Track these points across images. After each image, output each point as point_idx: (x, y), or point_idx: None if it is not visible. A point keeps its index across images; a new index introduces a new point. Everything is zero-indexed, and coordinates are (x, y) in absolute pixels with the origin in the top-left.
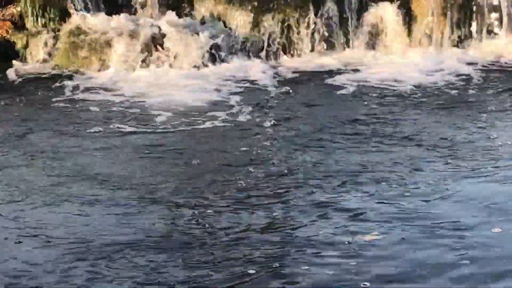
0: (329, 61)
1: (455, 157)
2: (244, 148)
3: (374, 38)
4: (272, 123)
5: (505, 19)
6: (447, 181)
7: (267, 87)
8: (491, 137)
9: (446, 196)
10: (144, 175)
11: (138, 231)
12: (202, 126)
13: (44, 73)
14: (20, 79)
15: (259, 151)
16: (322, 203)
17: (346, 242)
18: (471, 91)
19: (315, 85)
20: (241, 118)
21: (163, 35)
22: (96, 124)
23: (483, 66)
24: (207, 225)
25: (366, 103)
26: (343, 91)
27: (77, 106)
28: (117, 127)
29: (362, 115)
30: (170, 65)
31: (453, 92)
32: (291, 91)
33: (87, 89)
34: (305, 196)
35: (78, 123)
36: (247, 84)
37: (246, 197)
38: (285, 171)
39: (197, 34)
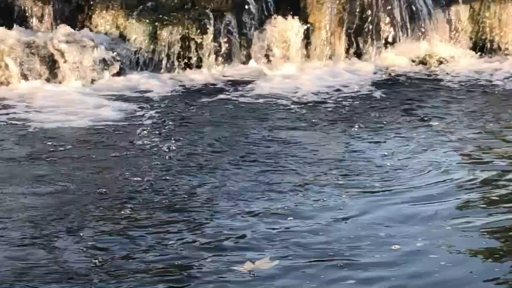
0: (228, 74)
1: (346, 175)
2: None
3: (273, 51)
4: (162, 141)
5: (400, 31)
6: (339, 200)
7: (165, 100)
8: (384, 153)
9: (339, 215)
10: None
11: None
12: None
13: None
14: None
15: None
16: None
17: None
18: (365, 104)
19: (210, 98)
20: (137, 134)
21: (59, 48)
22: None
23: (378, 77)
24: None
25: (259, 117)
26: (236, 105)
27: None
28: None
29: (253, 132)
30: (66, 80)
31: (347, 105)
32: (186, 104)
33: None
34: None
35: None
36: (145, 98)
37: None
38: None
39: (95, 47)
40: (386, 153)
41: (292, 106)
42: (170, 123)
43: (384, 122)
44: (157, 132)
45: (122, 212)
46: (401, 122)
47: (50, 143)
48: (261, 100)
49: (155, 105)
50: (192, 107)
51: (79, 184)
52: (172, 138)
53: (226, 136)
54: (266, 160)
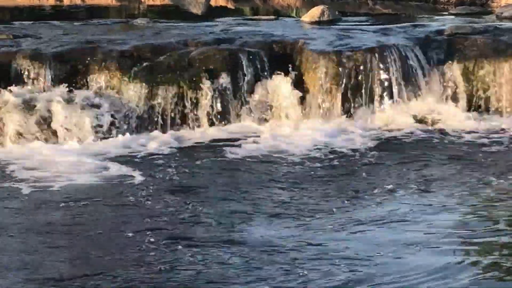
0: (222, 133)
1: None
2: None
3: (267, 110)
4: (155, 202)
5: (394, 90)
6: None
7: (160, 160)
8: (373, 211)
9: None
10: None
11: None
12: (88, 208)
13: None
14: None
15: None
16: None
17: None
18: (359, 163)
19: (206, 158)
20: (130, 191)
21: (55, 110)
22: None
23: (373, 136)
24: None
25: (253, 177)
26: (232, 163)
27: None
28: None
29: (247, 191)
30: (62, 140)
31: (341, 164)
32: (183, 163)
33: None
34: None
35: None
36: (141, 158)
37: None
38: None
39: (90, 107)
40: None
41: (286, 166)
42: (164, 183)
43: (378, 184)
44: (150, 193)
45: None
46: (396, 184)
47: (44, 204)
48: (255, 160)
49: (150, 165)
50: (186, 167)
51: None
52: (165, 199)
53: (222, 196)
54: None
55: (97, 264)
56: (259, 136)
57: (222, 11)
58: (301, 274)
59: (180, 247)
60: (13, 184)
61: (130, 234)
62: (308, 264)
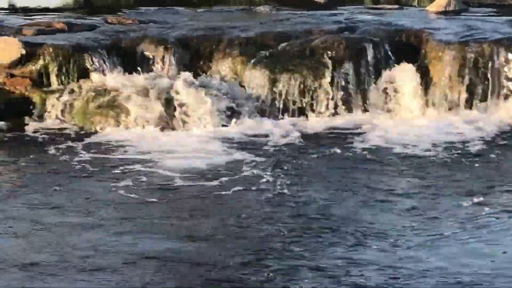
0: (346, 122)
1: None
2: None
3: (391, 100)
4: (286, 185)
5: None
6: None
7: (283, 148)
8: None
9: None
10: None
11: None
12: (215, 190)
13: (61, 131)
14: (37, 136)
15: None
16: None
17: None
18: (484, 164)
19: (330, 147)
20: (255, 179)
21: (180, 95)
22: (108, 184)
23: (501, 129)
24: None
25: (379, 167)
26: (357, 154)
27: (91, 165)
28: (130, 190)
29: (374, 181)
30: (186, 125)
31: (465, 164)
32: (305, 152)
33: (102, 148)
34: None
35: (91, 183)
36: (262, 145)
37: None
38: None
39: (214, 94)
40: None
41: (407, 159)
42: (286, 171)
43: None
44: (272, 181)
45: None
46: None
47: (164, 188)
48: (378, 150)
49: (272, 152)
50: (307, 156)
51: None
52: (289, 187)
53: (343, 186)
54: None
55: (248, 248)
56: (381, 127)
57: (344, 0)
58: None
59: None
60: (135, 167)
61: (270, 222)
62: None
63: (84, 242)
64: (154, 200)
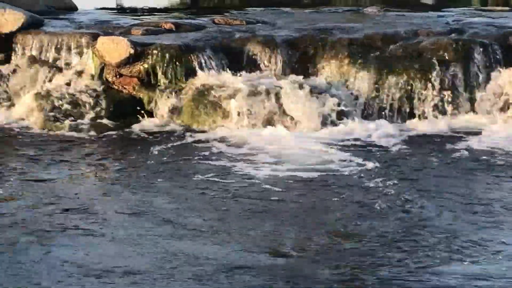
0: (451, 125)
1: None
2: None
3: (500, 104)
4: (390, 192)
5: None
6: None
7: (389, 149)
8: None
9: None
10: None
11: None
12: (320, 195)
13: (168, 130)
14: (145, 135)
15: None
16: None
17: None
18: None
19: (438, 151)
20: (358, 184)
21: (286, 95)
22: (214, 180)
23: None
24: None
25: (488, 174)
26: (465, 159)
27: (197, 165)
28: (236, 186)
29: (483, 189)
30: (292, 126)
31: None
32: (411, 157)
33: (208, 146)
34: None
35: (196, 183)
36: (369, 147)
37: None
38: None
39: (320, 95)
40: None
41: None
42: (390, 176)
43: None
44: (380, 185)
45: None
46: None
47: (270, 189)
48: (485, 155)
49: (377, 155)
50: (413, 160)
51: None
52: (393, 194)
53: (451, 195)
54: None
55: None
56: (490, 130)
57: (451, 1)
58: None
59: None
60: (239, 168)
61: (374, 233)
62: None
63: (186, 249)
64: (257, 205)
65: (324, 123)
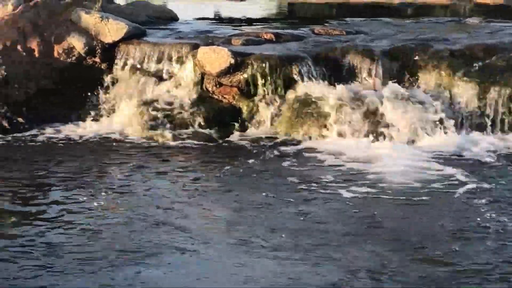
0: None
1: None
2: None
3: None
4: (489, 210)
5: None
6: None
7: (494, 164)
8: None
9: None
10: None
11: None
12: (420, 211)
13: (267, 139)
14: (244, 145)
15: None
16: None
17: None
18: None
19: None
20: (464, 200)
21: (386, 106)
22: (315, 190)
23: None
24: None
25: None
26: None
27: (297, 175)
28: (333, 201)
29: None
30: (392, 137)
31: None
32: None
33: (308, 157)
34: None
35: (297, 194)
36: (471, 161)
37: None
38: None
39: (420, 105)
40: None
41: None
42: (499, 195)
43: None
44: (486, 207)
45: None
46: None
47: (370, 206)
48: None
49: (481, 171)
50: None
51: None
52: (494, 212)
53: None
54: None
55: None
56: None
57: None
58: None
59: None
60: (337, 178)
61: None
62: None
63: (285, 271)
64: (356, 224)
65: (425, 134)
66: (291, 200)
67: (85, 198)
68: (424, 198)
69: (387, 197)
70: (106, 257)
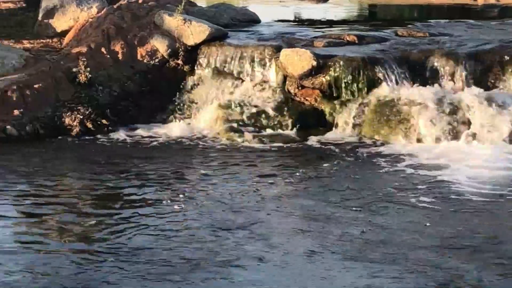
0: None
1: None
2: None
3: None
4: None
5: None
6: None
7: None
8: None
9: None
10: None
11: None
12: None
13: (350, 142)
14: (327, 147)
15: None
16: None
17: None
18: None
19: None
20: None
21: (470, 109)
22: (397, 193)
23: None
24: None
25: None
26: None
27: (382, 178)
28: (417, 199)
29: None
30: (475, 139)
31: None
32: None
33: (392, 160)
34: None
35: (383, 198)
36: None
37: None
38: None
39: (507, 108)
40: None
41: None
42: None
43: None
44: None
45: None
46: None
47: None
48: None
49: None
50: None
51: None
52: None
53: None
54: None
55: None
56: None
57: None
58: None
59: None
60: (421, 179)
61: None
62: None
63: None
64: (446, 233)
65: (509, 139)
66: (374, 207)
67: (168, 202)
68: (498, 202)
69: (480, 205)
70: (186, 262)
